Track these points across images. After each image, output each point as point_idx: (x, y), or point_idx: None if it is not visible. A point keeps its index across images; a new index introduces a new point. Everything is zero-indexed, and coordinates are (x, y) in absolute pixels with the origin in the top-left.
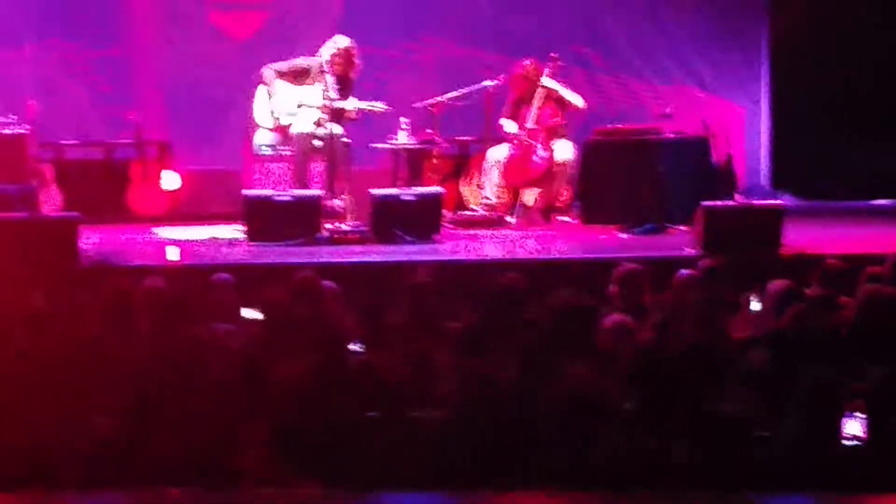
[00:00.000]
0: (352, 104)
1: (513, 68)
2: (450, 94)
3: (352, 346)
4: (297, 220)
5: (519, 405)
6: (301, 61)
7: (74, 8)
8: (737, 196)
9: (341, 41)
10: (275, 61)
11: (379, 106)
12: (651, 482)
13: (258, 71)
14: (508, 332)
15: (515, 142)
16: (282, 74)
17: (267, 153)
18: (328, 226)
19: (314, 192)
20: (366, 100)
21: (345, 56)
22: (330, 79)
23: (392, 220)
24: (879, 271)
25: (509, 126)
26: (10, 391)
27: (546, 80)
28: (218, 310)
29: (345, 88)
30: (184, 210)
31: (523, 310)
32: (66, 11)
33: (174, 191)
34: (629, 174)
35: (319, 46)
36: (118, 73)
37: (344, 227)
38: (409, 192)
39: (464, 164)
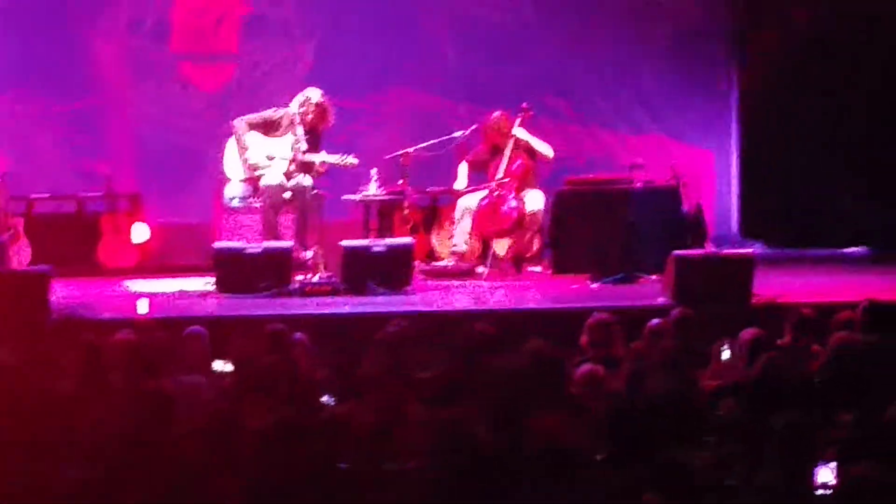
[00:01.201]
0: (321, 158)
1: (484, 119)
2: (420, 146)
3: (324, 399)
4: (268, 272)
5: (491, 456)
6: (271, 113)
7: (45, 61)
8: (707, 245)
9: (313, 94)
10: (245, 113)
11: (349, 160)
12: None
13: (228, 122)
14: (480, 383)
15: (487, 192)
16: (253, 126)
17: (237, 205)
18: (299, 277)
19: (285, 243)
20: (336, 152)
21: (317, 109)
22: (300, 131)
23: (363, 272)
24: (850, 317)
25: (459, 183)
26: None
27: (517, 131)
28: (189, 362)
29: (315, 141)
30: (154, 263)
31: (495, 360)
32: (36, 64)
33: (144, 243)
34: (600, 224)
35: (289, 98)
36: (89, 126)
37: (315, 278)
38: (379, 244)
39: (434, 214)
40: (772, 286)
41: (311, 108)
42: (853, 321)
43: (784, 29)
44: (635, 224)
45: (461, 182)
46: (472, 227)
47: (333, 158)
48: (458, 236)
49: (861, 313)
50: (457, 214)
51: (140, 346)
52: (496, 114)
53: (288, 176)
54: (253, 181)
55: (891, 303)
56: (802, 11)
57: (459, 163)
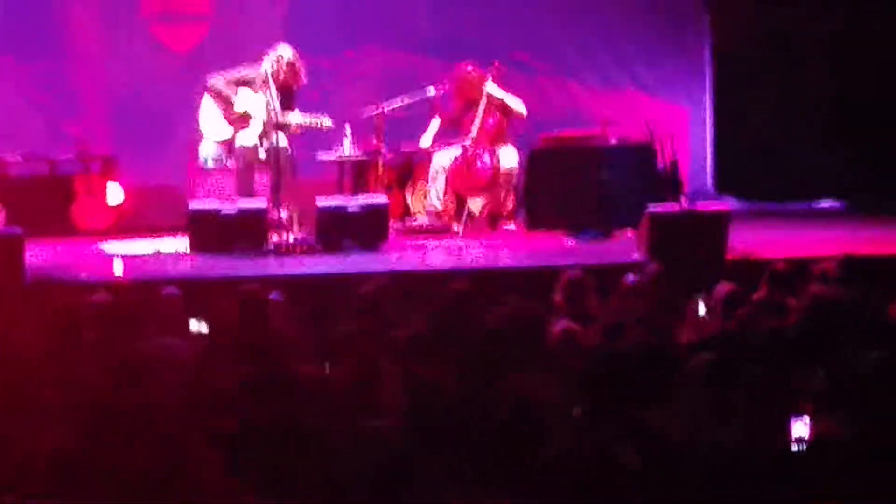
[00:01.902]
0: (296, 119)
1: (455, 72)
2: (393, 103)
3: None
4: (243, 233)
5: (466, 413)
6: (245, 71)
7: (16, 21)
8: (682, 200)
9: (285, 52)
10: (218, 72)
11: (324, 122)
12: (597, 489)
13: (202, 81)
14: (456, 341)
15: (460, 149)
16: (228, 83)
17: (211, 166)
18: (274, 237)
19: (260, 203)
20: (309, 110)
21: (289, 68)
22: (273, 90)
23: (338, 231)
24: (825, 270)
25: (424, 140)
26: None
27: (490, 87)
28: (165, 324)
29: (288, 98)
30: (129, 224)
31: (471, 318)
32: (6, 25)
33: (119, 205)
34: (574, 180)
35: (262, 57)
36: (61, 87)
37: (290, 238)
38: (354, 202)
39: (409, 172)
40: (746, 241)
41: (283, 67)
42: (828, 275)
43: None
44: (610, 180)
45: (426, 140)
46: (446, 185)
47: (308, 119)
48: (432, 194)
49: (836, 267)
50: (431, 172)
51: (115, 307)
52: (468, 67)
53: (262, 136)
54: (229, 141)
55: (865, 256)
56: None
57: (431, 118)
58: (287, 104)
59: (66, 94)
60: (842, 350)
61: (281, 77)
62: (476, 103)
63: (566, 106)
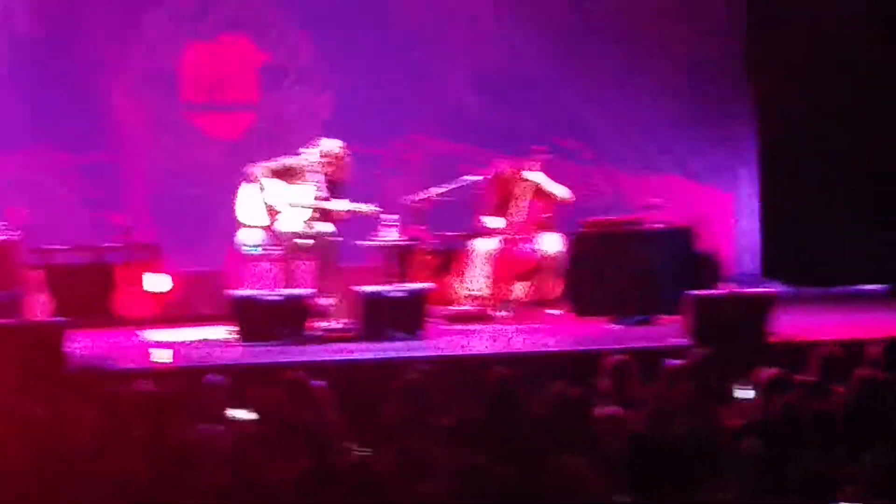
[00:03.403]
0: (345, 206)
1: (490, 168)
2: (436, 190)
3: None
4: (286, 320)
5: (514, 499)
6: (291, 160)
7: (62, 114)
8: (725, 284)
9: (333, 146)
10: (262, 161)
11: (370, 208)
12: None
13: (245, 170)
14: (502, 426)
15: (504, 237)
16: (273, 172)
17: (254, 252)
18: (318, 324)
19: (304, 290)
20: (355, 197)
21: (337, 161)
22: (321, 178)
23: (381, 317)
24: (872, 353)
25: (493, 222)
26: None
27: (528, 174)
28: (209, 412)
29: (335, 188)
30: (173, 312)
31: (516, 403)
32: (54, 118)
33: (163, 293)
34: (618, 265)
35: (307, 146)
36: (106, 178)
37: (333, 325)
38: (397, 289)
39: (452, 258)
40: (792, 325)
41: (331, 160)
42: (874, 358)
43: (799, 69)
44: (652, 265)
45: (495, 222)
46: (490, 271)
47: (356, 206)
48: (476, 280)
49: (883, 351)
50: (474, 259)
51: (159, 395)
52: (501, 164)
53: (308, 223)
54: (271, 227)
55: None
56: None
57: (476, 206)
58: (335, 193)
59: (112, 185)
60: (889, 435)
61: (329, 170)
62: (514, 196)
63: (610, 191)
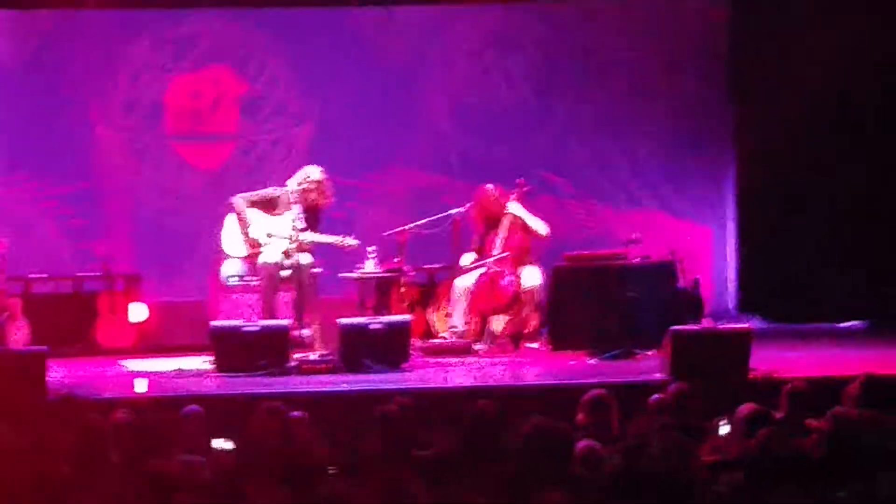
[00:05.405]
0: (321, 239)
1: (477, 192)
2: (417, 223)
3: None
4: (266, 351)
5: None
6: (271, 191)
7: (43, 143)
8: (704, 320)
9: (313, 172)
10: (243, 192)
11: (349, 242)
12: None
13: (226, 201)
14: (481, 460)
15: (484, 269)
16: (253, 203)
17: (235, 283)
18: (297, 355)
19: (282, 322)
20: (334, 228)
21: (318, 187)
22: (298, 209)
23: (360, 349)
24: (848, 389)
25: (466, 259)
26: None
27: (512, 206)
28: (187, 442)
29: (314, 218)
30: (152, 342)
31: (495, 437)
32: (35, 147)
33: (142, 323)
34: (597, 300)
35: (287, 178)
36: (86, 207)
37: (312, 356)
38: (377, 321)
39: (431, 291)
40: (769, 360)
41: (311, 186)
42: (850, 395)
43: (781, 105)
44: (632, 300)
45: (467, 261)
46: (468, 305)
47: (333, 239)
48: (456, 316)
49: (859, 387)
50: (454, 292)
51: (138, 425)
52: (489, 187)
53: (286, 254)
54: (252, 259)
55: (889, 377)
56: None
57: (455, 238)
58: (313, 224)
59: (92, 214)
60: (864, 472)
61: (310, 196)
62: (497, 223)
63: (590, 226)
